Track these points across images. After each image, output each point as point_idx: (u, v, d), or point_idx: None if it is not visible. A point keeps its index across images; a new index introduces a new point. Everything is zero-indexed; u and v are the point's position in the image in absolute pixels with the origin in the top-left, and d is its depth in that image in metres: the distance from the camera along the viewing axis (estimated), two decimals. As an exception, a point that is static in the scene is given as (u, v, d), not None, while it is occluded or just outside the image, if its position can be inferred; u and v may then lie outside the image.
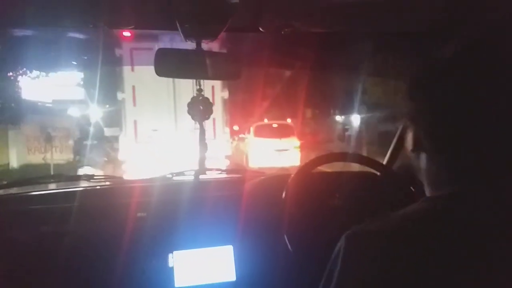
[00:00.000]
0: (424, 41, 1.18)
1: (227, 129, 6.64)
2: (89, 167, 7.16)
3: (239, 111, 17.51)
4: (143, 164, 5.62)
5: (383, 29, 1.15)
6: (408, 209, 0.69)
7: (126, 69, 5.99)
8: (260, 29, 1.12)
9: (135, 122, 6.22)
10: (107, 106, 11.34)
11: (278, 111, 16.89)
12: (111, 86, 7.17)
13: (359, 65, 1.46)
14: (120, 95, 6.33)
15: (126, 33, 5.09)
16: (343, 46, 1.28)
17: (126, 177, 5.57)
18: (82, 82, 13.36)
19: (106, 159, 8.55)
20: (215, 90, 6.07)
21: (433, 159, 0.69)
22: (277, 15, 1.08)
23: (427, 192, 0.72)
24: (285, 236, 1.21)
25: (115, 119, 7.45)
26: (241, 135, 16.00)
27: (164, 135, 5.90)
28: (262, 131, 11.96)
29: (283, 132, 11.94)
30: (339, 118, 20.55)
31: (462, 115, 0.64)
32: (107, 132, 8.86)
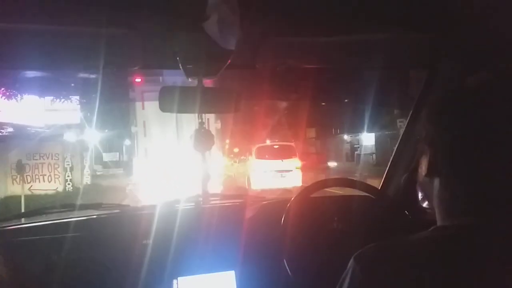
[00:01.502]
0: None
1: (220, 153, 9.14)
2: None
3: (241, 133, 17.69)
4: (154, 184, 7.38)
5: (371, 66, 1.30)
6: (418, 236, 0.72)
7: (138, 108, 8.22)
8: (257, 66, 1.28)
9: (145, 149, 8.24)
10: (106, 131, 11.50)
11: (281, 132, 17.08)
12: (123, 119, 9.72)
13: (354, 96, 1.61)
14: (133, 129, 8.61)
15: (138, 79, 7.43)
16: (334, 78, 1.43)
17: (139, 195, 7.12)
18: (79, 107, 13.43)
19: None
20: (210, 122, 7.75)
21: (447, 186, 0.71)
22: (271, 54, 1.23)
23: (438, 219, 0.74)
24: (285, 261, 1.32)
25: (114, 145, 8.85)
26: (242, 157, 15.99)
27: (170, 159, 7.42)
28: (264, 153, 12.31)
29: (284, 153, 12.26)
30: (347, 137, 20.63)
31: (481, 143, 0.67)
32: (106, 157, 10.35)
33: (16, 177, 10.48)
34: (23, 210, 6.74)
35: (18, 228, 1.55)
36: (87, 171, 13.17)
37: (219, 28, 0.99)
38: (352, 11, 1.09)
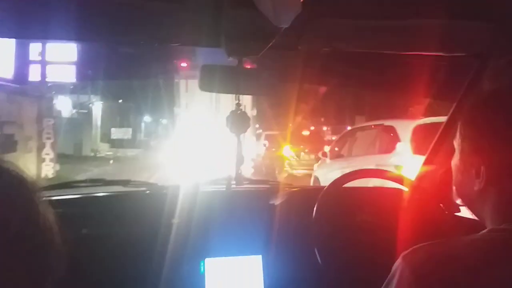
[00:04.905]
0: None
1: (253, 137, 13.28)
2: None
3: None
4: (189, 161, 10.59)
5: (420, 51, 1.63)
6: (473, 237, 0.88)
7: (182, 90, 11.54)
8: (299, 47, 1.64)
9: (186, 128, 11.25)
10: (121, 101, 11.74)
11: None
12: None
13: (397, 84, 1.95)
14: (176, 110, 12.39)
15: (183, 64, 11.13)
16: (379, 64, 1.77)
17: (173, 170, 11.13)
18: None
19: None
20: (246, 108, 9.48)
21: (504, 193, 0.89)
22: (316, 36, 1.59)
23: (488, 223, 0.92)
24: (316, 249, 1.70)
25: (127, 119, 10.94)
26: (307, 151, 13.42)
27: (208, 138, 10.45)
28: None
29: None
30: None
31: None
32: (115, 133, 12.15)
33: None
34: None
35: (47, 200, 2.00)
36: (47, 153, 10.92)
37: (272, 4, 1.11)
38: None
